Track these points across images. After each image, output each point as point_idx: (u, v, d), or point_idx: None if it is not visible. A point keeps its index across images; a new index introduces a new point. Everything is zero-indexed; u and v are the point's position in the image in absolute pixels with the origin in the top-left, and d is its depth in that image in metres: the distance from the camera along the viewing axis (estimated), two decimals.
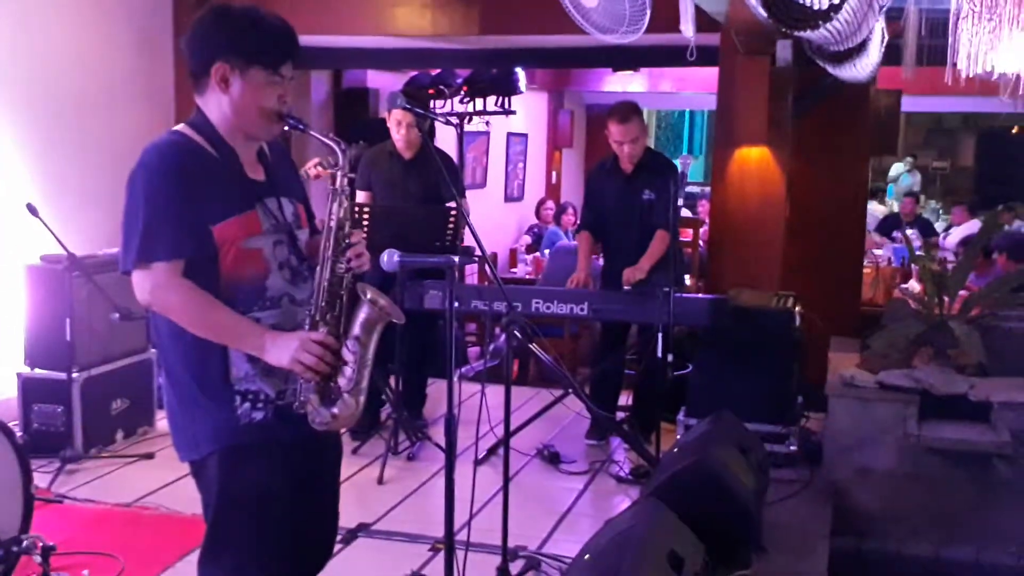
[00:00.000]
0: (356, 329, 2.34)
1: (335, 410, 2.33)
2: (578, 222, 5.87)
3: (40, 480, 4.27)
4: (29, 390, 4.91)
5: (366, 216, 4.92)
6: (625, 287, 4.99)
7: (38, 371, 4.92)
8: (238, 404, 2.33)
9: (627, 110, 5.14)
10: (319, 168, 5.16)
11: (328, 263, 2.35)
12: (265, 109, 2.34)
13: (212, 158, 2.33)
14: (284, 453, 2.37)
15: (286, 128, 2.40)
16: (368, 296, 2.34)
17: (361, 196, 5.30)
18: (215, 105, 2.35)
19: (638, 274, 5.00)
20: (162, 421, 5.35)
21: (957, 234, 11.07)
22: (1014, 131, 16.17)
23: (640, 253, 5.11)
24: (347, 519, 4.09)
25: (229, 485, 2.34)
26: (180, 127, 2.38)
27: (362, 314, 2.34)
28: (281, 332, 2.31)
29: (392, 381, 5.10)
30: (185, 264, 2.28)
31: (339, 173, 2.39)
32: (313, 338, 2.29)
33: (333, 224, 2.36)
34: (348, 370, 2.32)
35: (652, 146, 6.01)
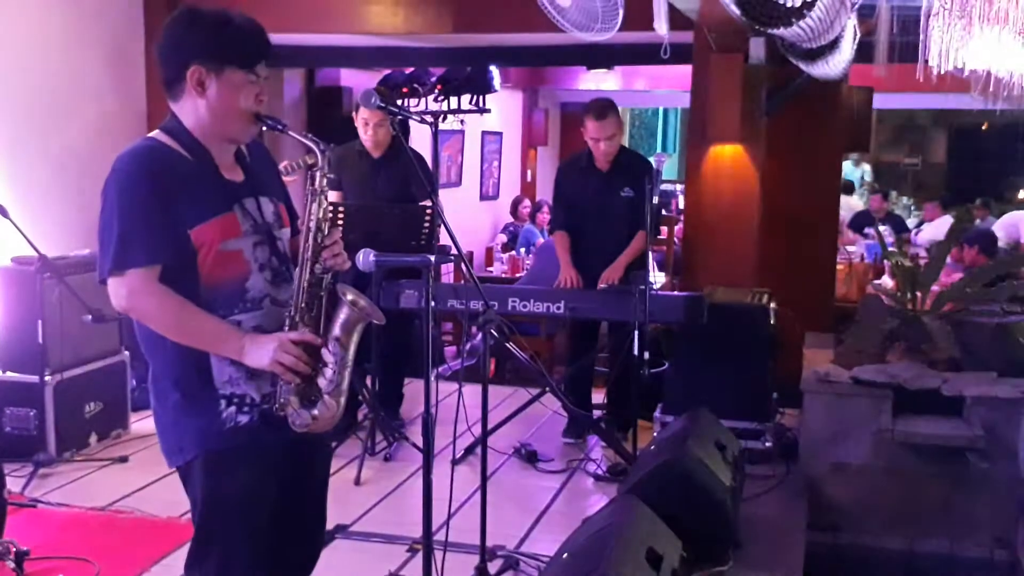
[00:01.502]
0: (336, 330, 2.33)
1: (315, 412, 2.32)
2: (551, 221, 5.87)
3: (13, 484, 4.25)
4: (1, 394, 4.85)
5: (341, 215, 4.90)
6: (601, 286, 5.00)
7: (10, 374, 4.87)
8: (223, 408, 2.32)
9: (604, 107, 5.14)
10: (287, 169, 5.14)
11: (307, 264, 2.34)
12: (243, 110, 2.33)
13: (187, 162, 2.31)
14: (270, 456, 2.37)
15: (264, 128, 2.38)
16: (348, 297, 2.33)
17: (332, 196, 5.27)
18: (191, 109, 2.33)
19: (616, 273, 5.02)
20: (136, 424, 5.31)
21: (929, 230, 11.16)
22: (985, 128, 16.32)
23: (618, 251, 5.12)
24: None
25: (214, 488, 2.34)
26: (154, 133, 2.36)
27: (342, 315, 2.33)
28: (260, 334, 2.30)
29: (368, 381, 5.09)
30: (164, 269, 2.27)
31: (318, 173, 2.38)
32: (292, 338, 2.28)
33: (312, 225, 2.35)
34: (328, 371, 2.31)
35: (626, 144, 6.02)
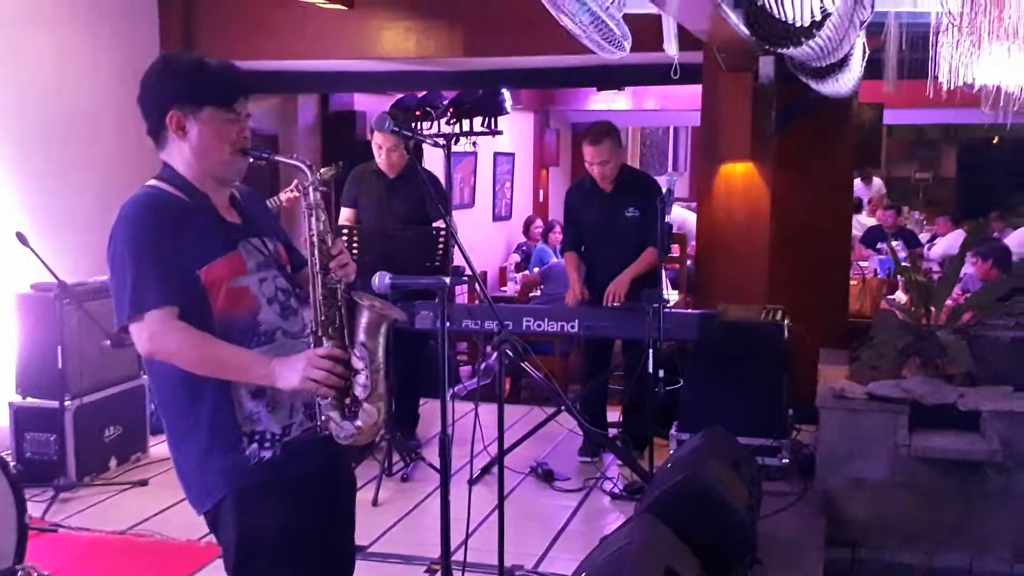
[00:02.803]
0: (360, 335, 2.32)
1: (358, 422, 2.30)
2: (562, 242, 5.91)
3: (34, 509, 4.27)
4: (21, 419, 4.90)
5: (355, 238, 4.94)
6: (607, 302, 5.02)
7: (30, 400, 4.91)
8: (246, 445, 2.32)
9: (599, 132, 5.20)
10: (292, 193, 5.19)
11: (317, 278, 2.35)
12: (225, 147, 2.35)
13: (187, 205, 2.34)
14: (296, 488, 2.36)
15: (251, 161, 2.41)
16: (365, 301, 2.33)
17: (346, 213, 5.33)
18: (178, 155, 2.37)
19: (621, 288, 5.04)
20: (155, 447, 5.34)
21: (941, 244, 11.14)
22: (995, 142, 16.30)
23: (605, 270, 5.19)
24: None
25: (247, 527, 2.33)
26: (152, 182, 2.39)
27: (363, 319, 2.32)
28: (286, 356, 2.31)
29: None
30: (179, 311, 2.28)
31: (311, 188, 2.39)
32: (319, 353, 2.28)
33: (315, 239, 2.36)
34: (361, 377, 2.29)
35: (637, 163, 6.05)
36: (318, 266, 2.35)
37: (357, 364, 2.30)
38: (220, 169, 2.39)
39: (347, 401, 2.31)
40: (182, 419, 2.36)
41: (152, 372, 2.39)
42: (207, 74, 2.36)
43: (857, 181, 13.85)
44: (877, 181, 14.14)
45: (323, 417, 2.31)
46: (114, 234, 2.30)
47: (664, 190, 4.90)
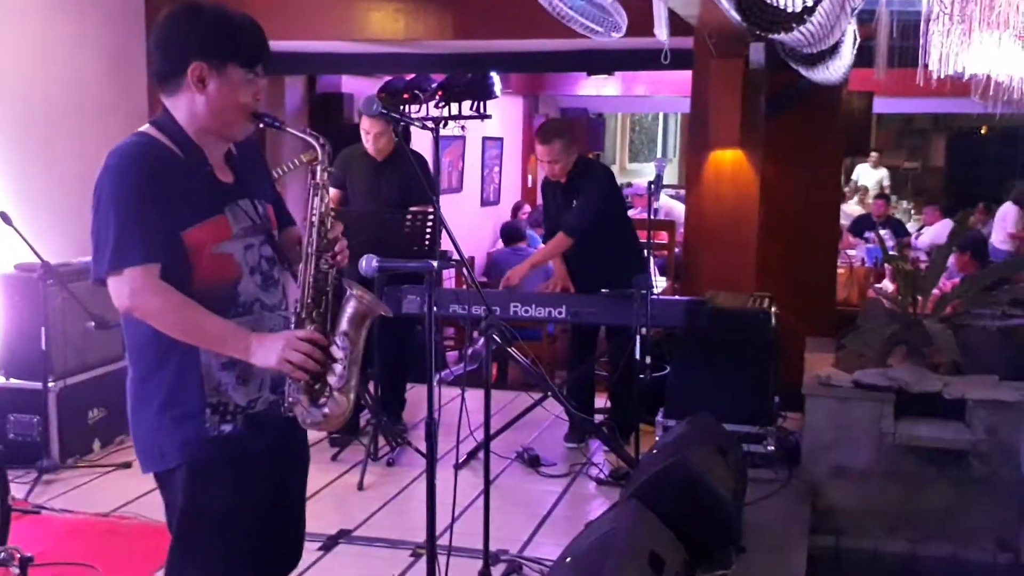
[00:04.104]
0: (344, 324, 2.29)
1: (326, 410, 2.28)
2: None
3: (17, 491, 4.23)
4: (4, 400, 4.86)
5: (342, 221, 4.91)
6: (503, 287, 5.16)
7: (13, 381, 4.88)
8: (207, 416, 2.29)
9: (549, 131, 5.27)
10: (281, 171, 5.14)
11: (312, 259, 2.31)
12: (241, 107, 2.30)
13: (178, 159, 2.28)
14: (251, 464, 2.33)
15: (261, 126, 2.36)
16: (355, 291, 2.30)
17: (332, 193, 5.29)
18: (187, 105, 2.29)
19: (518, 272, 5.22)
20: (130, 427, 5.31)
21: (929, 234, 11.19)
22: (984, 131, 16.34)
23: (587, 258, 5.24)
24: (327, 525, 4.12)
25: (195, 499, 2.30)
26: (144, 128, 2.32)
27: (349, 309, 2.29)
28: (266, 333, 2.28)
29: (371, 386, 5.09)
30: (162, 270, 2.23)
31: (319, 167, 2.36)
32: (300, 336, 2.25)
33: (315, 219, 2.33)
34: (338, 367, 2.27)
35: (627, 150, 6.05)
36: (314, 247, 2.32)
37: (337, 353, 2.28)
38: (230, 128, 2.34)
39: (319, 387, 2.28)
40: (147, 377, 2.32)
41: (127, 325, 2.33)
42: (236, 30, 2.30)
43: (865, 165, 13.90)
44: (883, 170, 14.20)
45: (290, 399, 2.29)
46: (100, 183, 2.23)
47: (653, 176, 4.90)
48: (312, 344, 2.25)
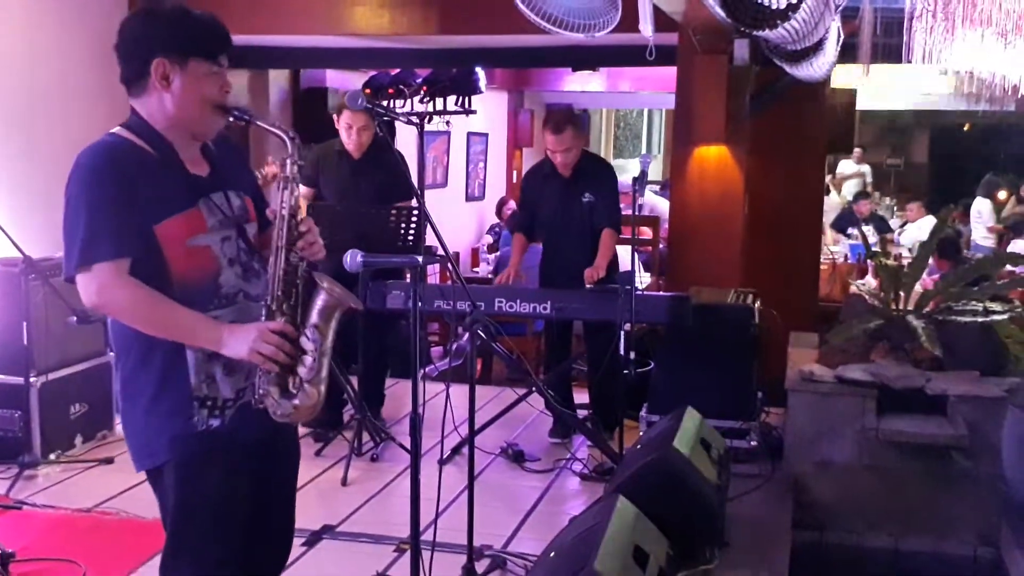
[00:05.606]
0: (314, 317, 2.32)
1: (296, 401, 2.31)
2: (514, 223, 5.96)
3: None
4: None
5: (327, 216, 4.90)
6: (588, 285, 5.04)
7: None
8: (195, 410, 2.30)
9: (560, 120, 5.23)
10: (274, 167, 5.13)
11: (282, 252, 2.33)
12: (208, 101, 2.32)
13: (150, 156, 2.30)
14: (242, 457, 2.35)
15: (231, 120, 2.38)
16: (324, 284, 2.33)
17: (303, 191, 5.27)
18: (155, 104, 2.32)
19: (598, 273, 5.06)
20: (121, 425, 5.29)
21: (912, 230, 11.25)
22: (966, 128, 16.42)
23: (580, 253, 5.23)
24: (311, 521, 4.11)
25: (188, 495, 2.32)
26: (116, 130, 2.35)
27: (319, 302, 2.32)
28: (238, 324, 2.30)
29: (355, 382, 5.08)
30: (132, 266, 2.25)
31: (288, 161, 2.37)
32: (271, 327, 2.27)
33: (285, 213, 2.34)
34: (308, 359, 2.30)
35: (611, 146, 6.06)
36: (284, 240, 2.34)
37: (306, 345, 2.30)
38: (199, 123, 2.35)
39: (289, 379, 2.30)
40: (134, 374, 2.34)
41: (112, 321, 2.35)
42: (194, 24, 2.33)
43: (849, 161, 13.96)
44: (866, 166, 14.30)
45: (261, 391, 2.30)
46: (70, 182, 2.27)
47: (638, 172, 4.90)
48: (283, 336, 2.26)
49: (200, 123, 2.35)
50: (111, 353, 5.18)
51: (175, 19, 2.33)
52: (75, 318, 4.53)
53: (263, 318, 2.31)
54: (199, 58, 2.30)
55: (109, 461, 4.83)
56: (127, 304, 2.25)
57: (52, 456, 4.85)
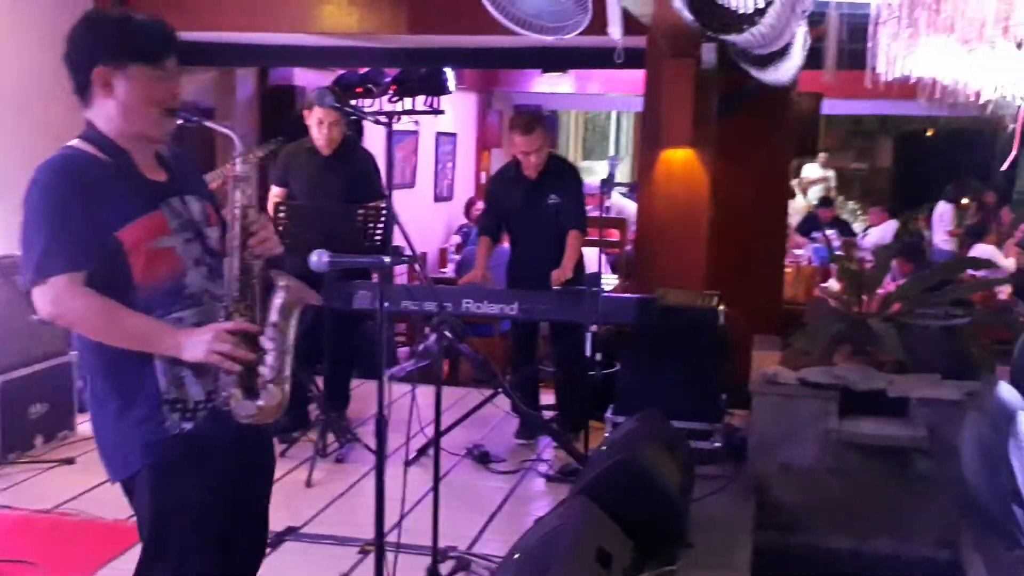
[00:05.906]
0: (273, 316, 2.31)
1: (260, 402, 2.29)
2: (480, 225, 5.97)
3: None
4: None
5: (282, 213, 4.87)
6: (555, 287, 5.05)
7: None
8: (166, 415, 2.29)
9: (529, 121, 5.27)
10: (219, 181, 5.09)
11: (236, 252, 2.32)
12: (155, 104, 2.31)
13: (106, 164, 2.30)
14: (215, 459, 2.33)
15: (180, 122, 2.37)
16: (282, 282, 2.33)
17: (276, 191, 5.26)
18: (103, 112, 2.32)
19: (565, 274, 5.07)
20: (83, 425, 5.23)
21: (875, 234, 11.38)
22: (930, 134, 16.61)
23: (547, 254, 5.23)
24: (275, 523, 4.03)
25: (163, 501, 2.31)
26: (72, 142, 2.34)
27: (277, 300, 2.32)
28: (194, 328, 2.29)
29: (320, 382, 5.06)
30: (94, 275, 2.24)
31: (238, 160, 2.36)
32: (227, 327, 2.26)
33: (237, 212, 2.33)
34: (269, 358, 2.29)
35: (580, 147, 6.08)
36: (237, 240, 2.33)
37: (266, 344, 2.30)
38: (147, 127, 2.34)
39: (252, 379, 2.29)
40: (103, 383, 2.32)
41: (78, 335, 2.35)
42: (134, 29, 2.32)
43: (814, 165, 14.11)
44: (831, 171, 14.45)
45: (225, 393, 2.29)
46: (27, 196, 2.26)
47: (607, 174, 4.92)
48: (240, 335, 2.26)
49: (147, 126, 2.34)
50: (73, 352, 5.16)
51: (114, 25, 2.33)
52: (37, 316, 4.47)
53: (222, 320, 2.30)
54: (140, 63, 2.29)
55: (70, 461, 4.77)
56: (82, 315, 2.26)
57: (11, 456, 4.78)
